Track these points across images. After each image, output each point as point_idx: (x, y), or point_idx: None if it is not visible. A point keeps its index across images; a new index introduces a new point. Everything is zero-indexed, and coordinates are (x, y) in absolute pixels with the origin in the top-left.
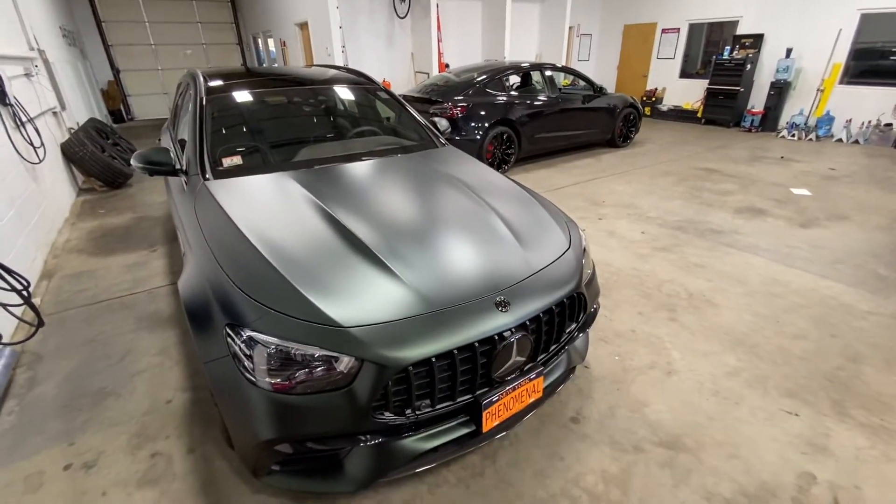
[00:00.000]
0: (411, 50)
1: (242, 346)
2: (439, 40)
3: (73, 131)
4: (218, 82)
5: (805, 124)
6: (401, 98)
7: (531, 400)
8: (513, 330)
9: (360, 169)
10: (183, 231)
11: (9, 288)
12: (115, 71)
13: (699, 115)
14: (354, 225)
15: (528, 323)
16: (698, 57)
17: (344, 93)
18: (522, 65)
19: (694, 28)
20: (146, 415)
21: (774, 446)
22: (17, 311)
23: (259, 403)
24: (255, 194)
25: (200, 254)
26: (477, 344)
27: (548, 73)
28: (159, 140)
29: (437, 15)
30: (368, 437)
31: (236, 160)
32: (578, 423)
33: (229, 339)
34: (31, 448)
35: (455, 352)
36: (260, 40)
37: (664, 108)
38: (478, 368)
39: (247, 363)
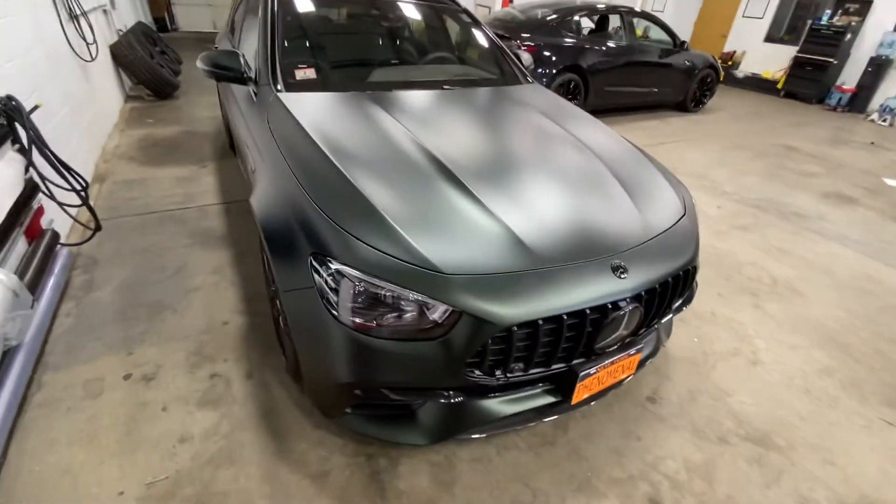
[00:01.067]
0: None
1: (329, 279)
2: None
3: (121, 34)
4: None
5: None
6: (485, 26)
7: (623, 376)
8: (628, 300)
9: (446, 98)
10: (252, 144)
11: (69, 188)
12: None
13: (779, 86)
14: (448, 158)
15: (643, 294)
16: (786, 19)
17: (424, 13)
18: (598, 6)
19: None
20: (203, 334)
21: (874, 458)
22: (73, 211)
23: (341, 342)
24: (333, 112)
25: (277, 171)
26: (588, 311)
27: (627, 18)
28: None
29: None
30: (451, 393)
31: (310, 73)
32: (655, 403)
33: (314, 270)
34: (89, 353)
35: (564, 317)
36: None
37: (740, 75)
38: (582, 337)
39: (332, 298)
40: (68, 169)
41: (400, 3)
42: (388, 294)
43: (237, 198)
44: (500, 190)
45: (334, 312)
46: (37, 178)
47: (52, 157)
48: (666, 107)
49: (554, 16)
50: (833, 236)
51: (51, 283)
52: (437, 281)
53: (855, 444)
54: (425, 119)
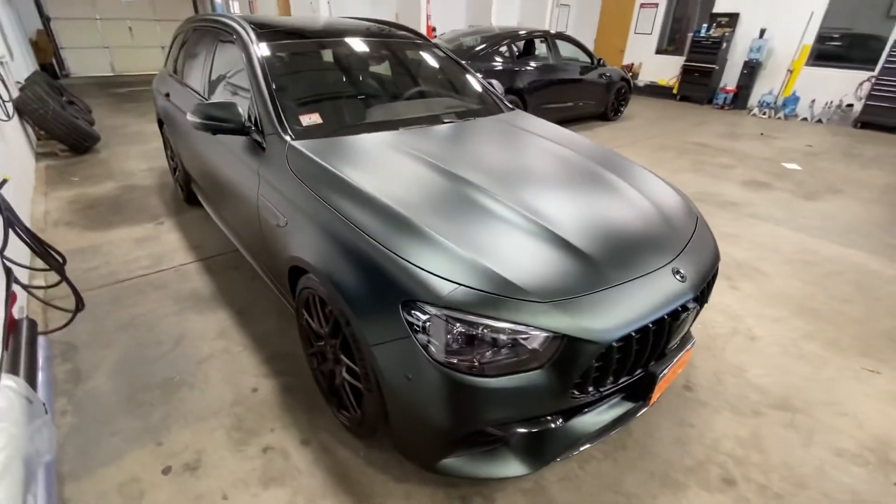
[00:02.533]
0: (396, 10)
1: (424, 324)
2: (428, 1)
3: (21, 86)
4: (268, 32)
5: (774, 103)
6: (457, 58)
7: (681, 370)
8: (692, 300)
9: (453, 131)
10: (274, 197)
11: (46, 267)
12: (45, 19)
13: (675, 91)
14: (491, 186)
15: (699, 292)
16: (673, 34)
17: (402, 49)
18: (520, 32)
19: (672, 3)
20: (235, 406)
21: (872, 403)
22: (41, 293)
23: (442, 388)
24: (359, 155)
25: (324, 220)
26: (667, 317)
27: (551, 40)
28: (155, 102)
29: None
30: (552, 417)
31: (314, 118)
32: (692, 390)
33: (406, 318)
34: (110, 452)
35: (650, 325)
36: None
37: (641, 84)
38: (660, 342)
39: (429, 343)
40: (47, 248)
41: (379, 41)
42: (487, 330)
43: (214, 252)
44: (552, 213)
45: (433, 358)
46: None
47: (29, 234)
48: (590, 117)
49: (483, 45)
50: (766, 218)
51: (41, 380)
52: (534, 308)
53: (854, 394)
54: (448, 152)
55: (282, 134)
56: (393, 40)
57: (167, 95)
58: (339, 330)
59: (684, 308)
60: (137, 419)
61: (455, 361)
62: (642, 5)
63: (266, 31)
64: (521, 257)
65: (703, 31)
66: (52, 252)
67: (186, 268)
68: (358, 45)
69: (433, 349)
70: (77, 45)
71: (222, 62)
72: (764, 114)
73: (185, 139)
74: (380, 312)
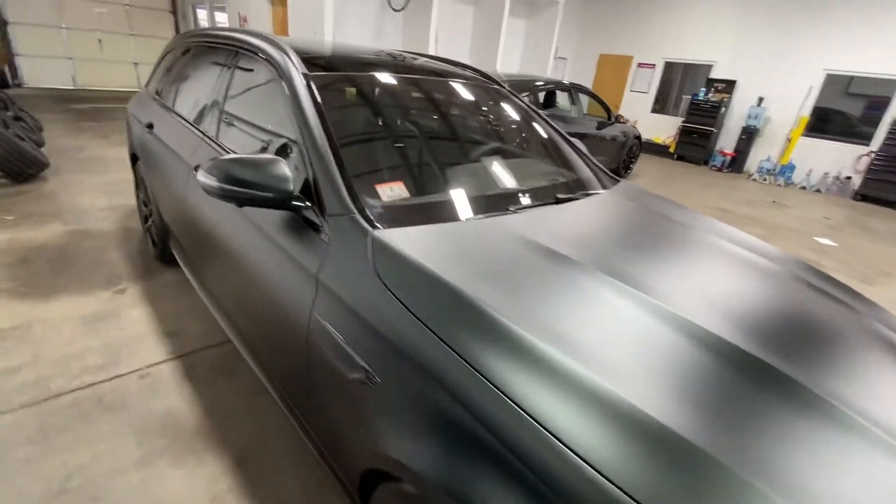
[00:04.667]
0: (401, 48)
1: None
2: (436, 41)
3: None
4: (323, 63)
5: (773, 170)
6: (537, 111)
7: None
8: None
9: (587, 215)
10: (346, 326)
11: None
12: (2, 22)
13: (671, 150)
14: (707, 321)
15: None
16: (668, 94)
17: (485, 98)
18: (560, 83)
19: (669, 66)
20: None
21: None
22: None
23: None
24: (488, 258)
25: (466, 391)
26: None
27: (574, 93)
28: (129, 130)
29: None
30: None
31: (398, 189)
32: None
33: None
34: None
35: None
36: (203, 11)
37: None
38: None
39: None
40: None
41: (456, 85)
42: None
43: (197, 342)
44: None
45: None
46: None
47: None
48: None
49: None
50: None
51: None
52: None
53: None
54: (614, 255)
55: (357, 216)
56: (475, 86)
57: (150, 126)
58: None
59: None
60: None
61: None
62: (640, 65)
63: (319, 61)
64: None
65: (702, 94)
66: None
67: (157, 371)
68: (437, 88)
69: None
70: (35, 52)
71: (243, 94)
72: (764, 180)
73: (167, 184)
74: None
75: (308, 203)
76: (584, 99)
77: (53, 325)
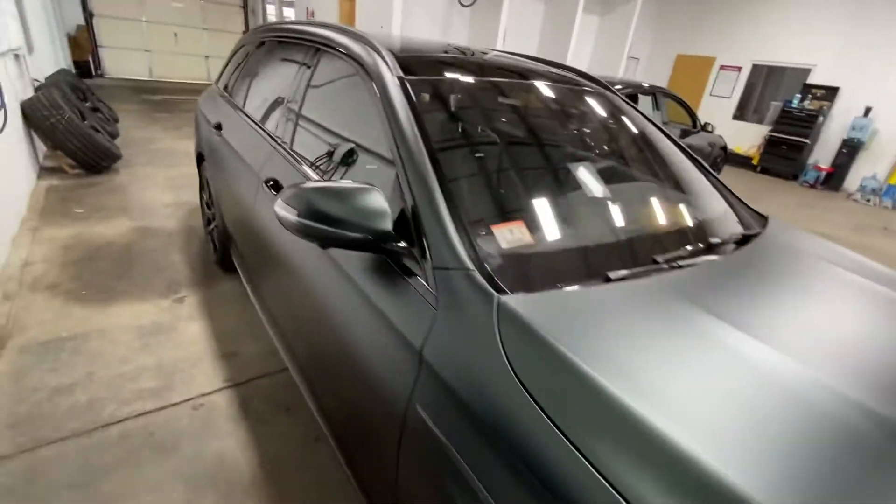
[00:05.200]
0: (466, 43)
1: None
2: (504, 40)
3: (39, 86)
4: (424, 67)
5: (879, 189)
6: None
7: None
8: None
9: (754, 277)
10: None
11: None
12: (88, 14)
13: (755, 161)
14: None
15: None
16: (752, 100)
17: (605, 110)
18: (641, 85)
19: (756, 69)
20: None
21: None
22: None
23: None
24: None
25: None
26: None
27: (660, 98)
28: (197, 128)
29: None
30: None
31: (518, 232)
32: None
33: None
34: None
35: None
36: (272, 6)
37: None
38: None
39: None
40: None
41: (575, 94)
42: None
43: (255, 367)
44: None
45: None
46: None
47: None
48: None
49: None
50: None
51: None
52: None
53: None
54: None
55: (474, 274)
56: (598, 96)
57: (218, 127)
58: None
59: None
60: None
61: None
62: (722, 67)
63: (417, 62)
64: None
65: (796, 101)
66: None
67: (211, 402)
68: (556, 99)
69: None
70: (117, 44)
71: (324, 99)
72: (868, 200)
73: (233, 191)
74: None
75: (407, 245)
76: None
77: (110, 338)
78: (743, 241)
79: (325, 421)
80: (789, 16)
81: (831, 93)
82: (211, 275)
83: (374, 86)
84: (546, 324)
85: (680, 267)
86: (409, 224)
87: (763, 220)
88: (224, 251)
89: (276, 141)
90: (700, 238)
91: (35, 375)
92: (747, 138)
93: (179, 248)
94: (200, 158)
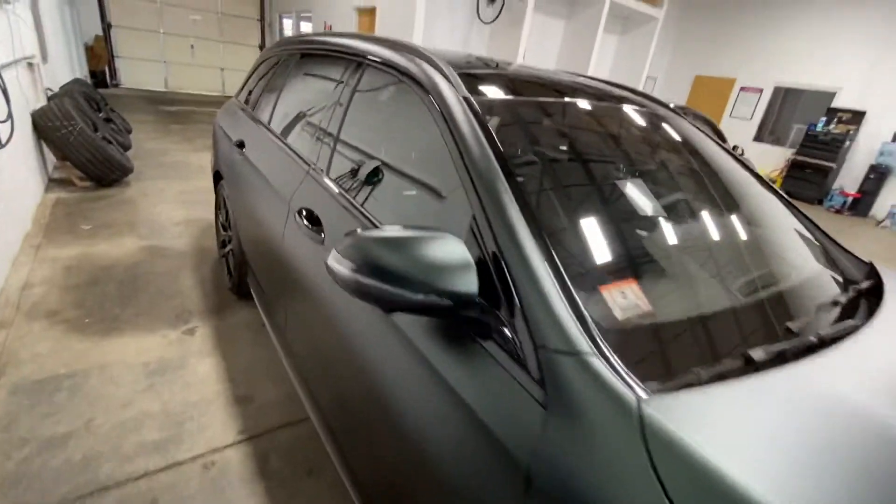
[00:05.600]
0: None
1: None
2: (524, 56)
3: (52, 95)
4: (487, 85)
5: None
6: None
7: None
8: None
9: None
10: None
11: None
12: (106, 25)
13: (778, 185)
14: None
15: None
16: (774, 123)
17: (694, 142)
18: (670, 106)
19: (777, 92)
20: None
21: None
22: None
23: None
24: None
25: None
26: None
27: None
28: (215, 144)
29: (529, 27)
30: None
31: (633, 295)
32: None
33: None
34: None
35: None
36: (288, 20)
37: None
38: None
39: None
40: None
41: (662, 122)
42: None
43: (273, 416)
44: None
45: None
46: None
47: None
48: None
49: None
50: None
51: None
52: None
53: None
54: None
55: (595, 362)
56: (684, 125)
57: (240, 145)
58: None
59: None
60: None
61: None
62: (743, 89)
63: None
64: None
65: (821, 125)
66: None
67: (223, 459)
68: (645, 128)
69: None
70: (133, 55)
71: (368, 120)
72: None
73: (255, 215)
74: None
75: (497, 313)
76: None
77: (112, 376)
78: (867, 294)
79: (358, 494)
80: (813, 38)
81: (858, 117)
82: (224, 302)
83: (435, 108)
84: (713, 447)
85: (825, 341)
86: (491, 281)
87: (867, 266)
88: (240, 277)
89: (309, 166)
90: (824, 294)
91: (26, 423)
92: (769, 161)
93: (190, 272)
94: (218, 176)
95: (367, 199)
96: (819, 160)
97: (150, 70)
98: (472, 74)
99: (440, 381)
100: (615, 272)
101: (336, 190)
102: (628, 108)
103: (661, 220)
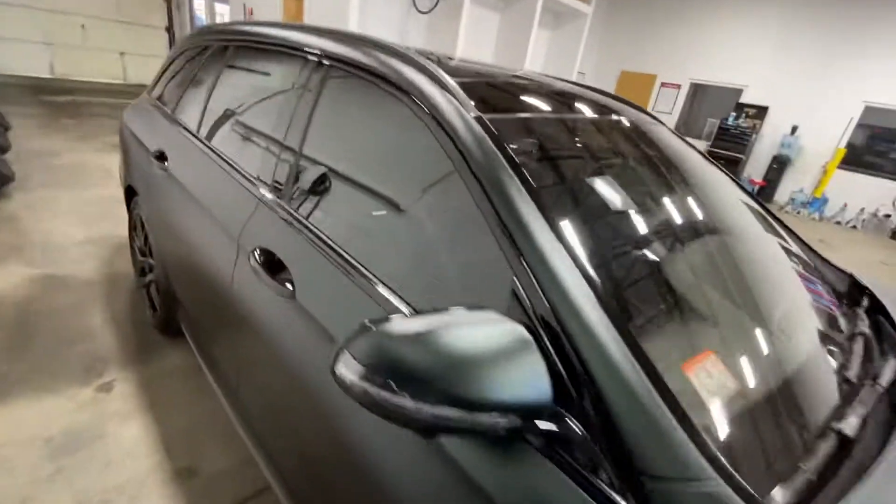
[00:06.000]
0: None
1: None
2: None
3: None
4: (500, 99)
5: (807, 202)
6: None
7: None
8: None
9: None
10: None
11: None
12: None
13: None
14: None
15: None
16: (692, 116)
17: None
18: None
19: (694, 87)
20: None
21: None
22: None
23: None
24: None
25: None
26: None
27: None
28: (124, 151)
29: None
30: None
31: (717, 373)
32: None
33: None
34: None
35: None
36: (200, 1)
37: None
38: None
39: None
40: None
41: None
42: None
43: (229, 492)
44: None
45: None
46: None
47: None
48: None
49: None
50: None
51: None
52: None
53: None
54: None
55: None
56: (691, 151)
57: (160, 157)
58: None
59: None
60: None
61: None
62: (663, 84)
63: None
64: None
65: (731, 119)
66: None
67: None
68: (675, 155)
69: None
70: (6, 35)
71: (343, 138)
72: (798, 212)
73: (187, 246)
74: None
75: (570, 420)
76: None
77: (3, 461)
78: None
79: None
80: (724, 37)
81: (762, 112)
82: (147, 343)
83: (439, 130)
84: None
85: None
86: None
87: (860, 287)
88: (167, 313)
89: (262, 192)
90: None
91: None
92: None
93: (101, 306)
94: (130, 191)
95: (356, 245)
96: (731, 152)
97: (30, 53)
98: (475, 84)
99: (463, 479)
100: (688, 346)
101: (309, 229)
102: (651, 128)
103: (722, 268)
